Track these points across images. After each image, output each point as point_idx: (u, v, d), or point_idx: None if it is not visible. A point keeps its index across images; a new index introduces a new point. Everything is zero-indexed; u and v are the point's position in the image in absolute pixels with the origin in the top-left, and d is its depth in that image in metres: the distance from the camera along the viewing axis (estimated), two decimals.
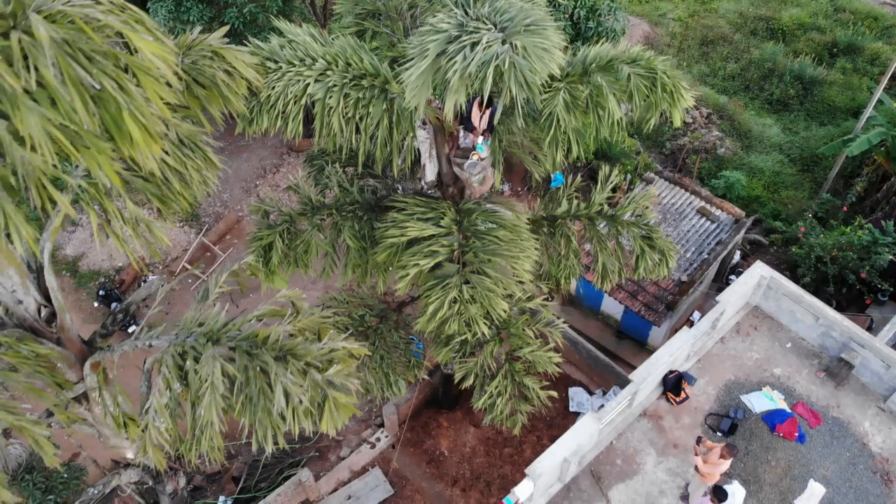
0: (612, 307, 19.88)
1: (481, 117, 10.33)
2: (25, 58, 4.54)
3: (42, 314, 8.45)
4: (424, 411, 18.61)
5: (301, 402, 6.96)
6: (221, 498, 17.44)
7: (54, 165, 5.28)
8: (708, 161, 24.95)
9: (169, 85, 5.85)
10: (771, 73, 27.98)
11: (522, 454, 17.72)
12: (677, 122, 10.36)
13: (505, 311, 10.04)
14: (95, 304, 21.04)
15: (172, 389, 7.57)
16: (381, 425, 18.26)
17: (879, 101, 22.01)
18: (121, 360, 9.91)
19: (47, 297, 8.51)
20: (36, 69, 4.60)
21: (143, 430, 7.72)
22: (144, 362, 9.59)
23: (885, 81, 20.85)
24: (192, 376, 7.51)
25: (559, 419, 18.75)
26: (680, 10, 32.01)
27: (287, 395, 6.87)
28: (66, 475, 12.21)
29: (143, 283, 22.14)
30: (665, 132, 25.95)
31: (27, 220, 5.56)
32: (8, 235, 5.62)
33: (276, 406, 6.82)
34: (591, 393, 18.78)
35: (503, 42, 7.78)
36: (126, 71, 5.60)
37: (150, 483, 11.67)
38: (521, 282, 10.56)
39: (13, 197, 5.61)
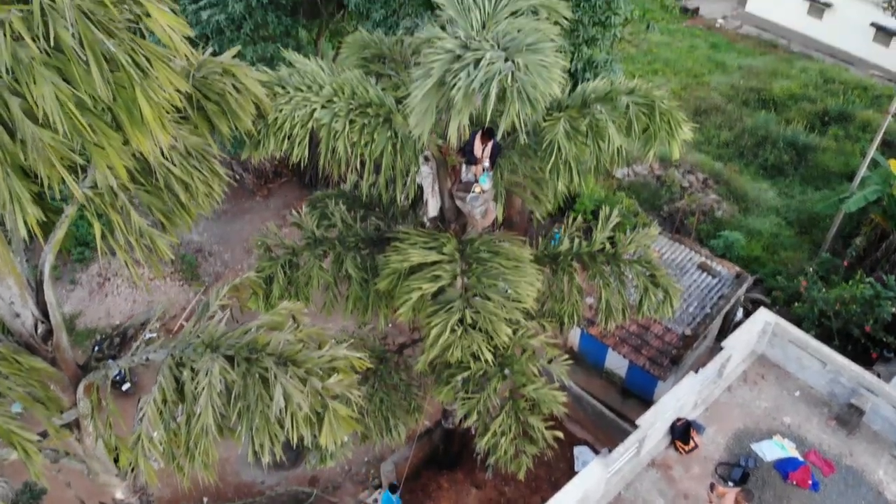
0: (617, 363, 19.59)
1: (483, 149, 10.50)
2: (45, 25, 4.66)
3: (39, 330, 8.31)
4: (423, 472, 17.98)
5: (301, 407, 6.76)
6: None
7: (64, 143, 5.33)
8: (706, 223, 25.19)
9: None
10: (764, 140, 28.64)
11: None
12: (676, 155, 10.53)
13: (508, 338, 9.90)
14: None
15: (168, 400, 7.36)
16: (379, 486, 17.62)
17: (875, 163, 22.44)
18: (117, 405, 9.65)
19: (45, 314, 8.40)
20: (54, 38, 4.71)
21: (135, 443, 7.44)
22: (139, 402, 9.37)
23: (876, 141, 21.34)
24: (188, 387, 7.32)
25: (564, 480, 18.07)
26: (672, 84, 33.08)
27: (287, 397, 6.67)
28: None
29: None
30: (662, 195, 26.30)
31: (33, 200, 5.57)
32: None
33: (275, 409, 6.61)
34: (596, 452, 18.23)
35: (505, 60, 8.02)
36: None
37: None
38: (525, 311, 10.46)
39: (21, 179, 5.63)
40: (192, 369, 7.31)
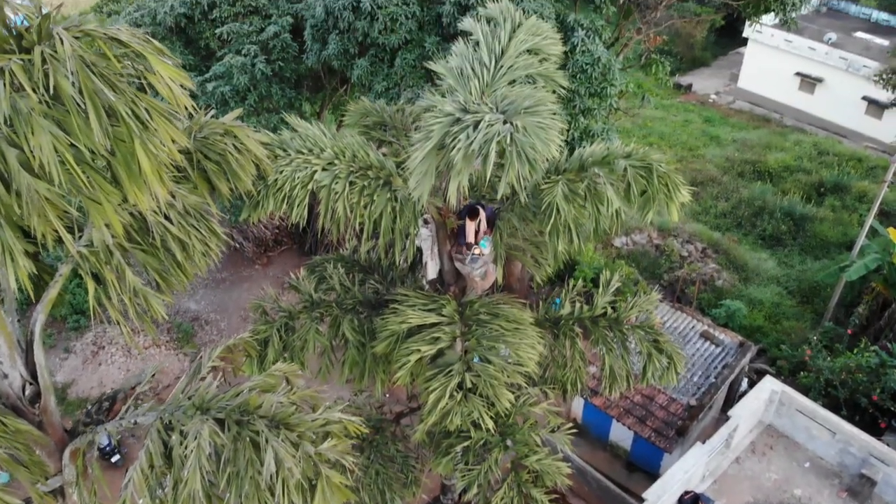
0: (621, 435, 19.09)
1: (478, 223, 10.44)
2: (45, 75, 4.70)
3: (27, 392, 8.09)
4: None
5: (292, 473, 6.47)
6: None
7: (60, 195, 5.30)
8: (707, 292, 25.07)
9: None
10: (761, 210, 28.86)
11: None
12: (675, 217, 10.56)
13: (511, 403, 9.62)
14: None
15: (155, 466, 7.07)
16: None
17: (874, 231, 22.53)
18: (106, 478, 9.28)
19: (34, 376, 8.19)
20: (54, 88, 4.74)
21: None
22: (126, 472, 9.05)
23: (874, 211, 21.49)
24: (176, 451, 7.04)
25: None
26: (668, 156, 33.58)
27: (278, 462, 6.40)
28: None
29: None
30: (662, 264, 26.27)
31: (27, 254, 5.49)
32: None
33: (266, 475, 6.32)
34: None
35: (504, 122, 8.11)
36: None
37: None
38: (527, 375, 10.21)
39: (14, 232, 5.56)
40: (181, 433, 7.05)
